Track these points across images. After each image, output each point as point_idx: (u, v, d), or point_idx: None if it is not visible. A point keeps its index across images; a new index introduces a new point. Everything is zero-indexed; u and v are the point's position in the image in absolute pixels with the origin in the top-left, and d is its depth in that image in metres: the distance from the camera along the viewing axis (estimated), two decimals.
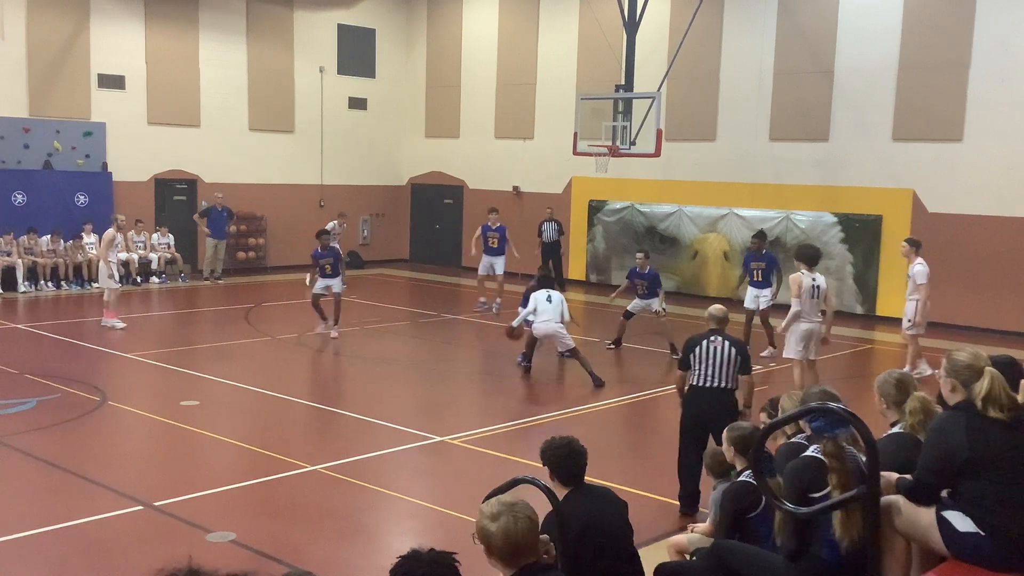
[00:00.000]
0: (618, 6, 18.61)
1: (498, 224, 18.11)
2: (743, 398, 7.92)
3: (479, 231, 18.31)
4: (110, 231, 15.44)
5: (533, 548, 3.46)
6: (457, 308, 18.17)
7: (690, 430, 7.70)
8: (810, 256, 11.27)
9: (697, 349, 7.78)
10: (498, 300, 17.69)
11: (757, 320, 14.36)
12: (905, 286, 13.24)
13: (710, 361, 7.70)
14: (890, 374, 5.24)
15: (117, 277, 15.62)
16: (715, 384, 7.67)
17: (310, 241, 22.78)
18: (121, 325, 15.17)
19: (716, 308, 8.15)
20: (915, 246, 12.85)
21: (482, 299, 17.87)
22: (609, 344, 14.73)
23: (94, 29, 20.15)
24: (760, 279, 14.39)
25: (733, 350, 7.73)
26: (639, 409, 11.47)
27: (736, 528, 5.20)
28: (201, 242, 21.51)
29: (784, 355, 11.31)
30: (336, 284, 14.99)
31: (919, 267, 12.62)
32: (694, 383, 7.77)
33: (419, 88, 25.55)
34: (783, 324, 11.04)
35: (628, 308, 14.65)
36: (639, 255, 14.86)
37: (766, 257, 14.52)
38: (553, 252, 21.38)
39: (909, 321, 12.83)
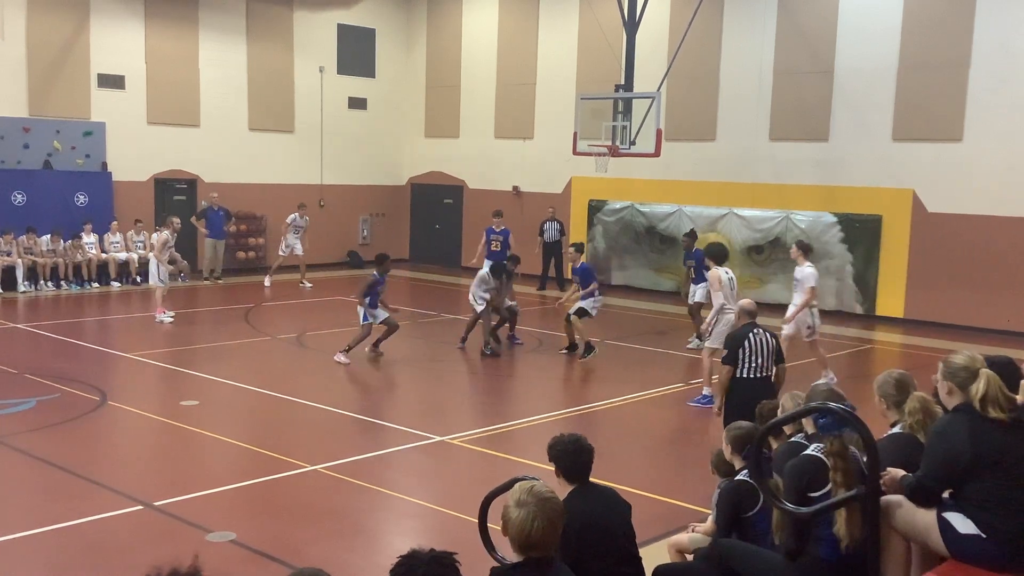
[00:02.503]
0: (618, 6, 18.61)
1: (503, 227, 17.81)
2: (777, 385, 8.21)
3: (484, 236, 17.97)
4: (165, 233, 16.31)
5: (546, 545, 3.48)
6: (457, 308, 18.13)
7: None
8: (716, 254, 11.57)
9: (746, 343, 8.06)
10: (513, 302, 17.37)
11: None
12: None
13: (759, 351, 8.05)
14: (889, 374, 5.24)
15: (167, 276, 16.48)
16: (763, 374, 8.04)
17: (310, 241, 22.85)
18: (170, 319, 15.78)
19: (748, 303, 8.60)
20: (803, 249, 12.55)
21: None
22: (563, 350, 14.19)
23: (94, 29, 20.16)
24: (694, 276, 14.92)
25: (774, 340, 8.19)
26: (640, 409, 11.46)
27: (734, 527, 5.20)
28: (200, 242, 21.51)
29: (708, 344, 11.46)
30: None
31: (809, 269, 12.23)
32: (744, 375, 8.04)
33: (419, 88, 25.55)
34: (709, 317, 11.45)
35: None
36: (570, 248, 14.88)
37: (695, 255, 14.93)
38: (554, 252, 21.42)
39: (810, 328, 12.28)
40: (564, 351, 14.06)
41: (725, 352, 8.21)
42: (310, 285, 20.68)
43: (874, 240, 18.24)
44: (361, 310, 13.51)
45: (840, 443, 4.37)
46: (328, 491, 8.15)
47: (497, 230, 17.77)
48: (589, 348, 13.50)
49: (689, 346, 14.85)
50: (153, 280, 16.42)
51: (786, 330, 12.12)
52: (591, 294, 13.61)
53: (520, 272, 15.31)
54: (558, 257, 21.46)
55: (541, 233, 21.29)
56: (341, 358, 13.21)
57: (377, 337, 13.66)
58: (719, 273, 11.32)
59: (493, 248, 17.63)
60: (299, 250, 20.85)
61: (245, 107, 22.66)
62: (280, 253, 20.96)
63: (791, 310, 12.32)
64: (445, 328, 16.38)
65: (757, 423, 5.84)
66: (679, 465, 9.35)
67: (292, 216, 20.90)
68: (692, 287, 15.00)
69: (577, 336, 13.76)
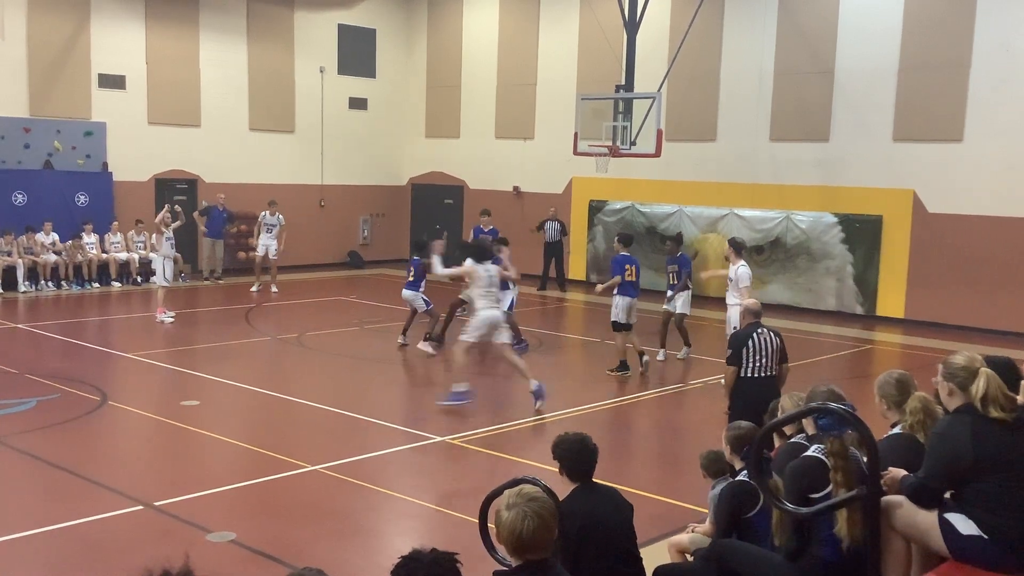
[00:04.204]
0: (618, 6, 18.61)
1: (491, 227, 17.43)
2: (778, 384, 8.17)
3: (471, 236, 17.64)
4: (162, 212, 16.42)
5: (540, 547, 3.44)
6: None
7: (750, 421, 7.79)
8: (477, 251, 11.47)
9: (750, 343, 8.05)
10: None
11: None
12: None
13: (763, 351, 8.04)
14: (890, 374, 5.23)
15: (171, 275, 16.67)
16: (767, 373, 8.03)
17: (310, 241, 22.91)
18: (170, 319, 15.80)
19: (753, 303, 8.59)
20: (736, 248, 12.11)
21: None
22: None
23: (94, 29, 20.16)
24: (675, 281, 14.10)
25: (778, 340, 8.17)
26: (640, 409, 11.46)
27: (734, 528, 5.20)
28: (200, 241, 21.51)
29: (462, 337, 11.31)
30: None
31: (743, 269, 11.83)
32: (748, 375, 8.03)
33: (419, 88, 25.55)
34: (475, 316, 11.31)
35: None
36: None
37: (679, 260, 14.20)
38: (555, 252, 21.31)
39: (735, 328, 11.50)
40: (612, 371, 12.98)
41: (730, 352, 8.21)
42: (276, 290, 19.71)
43: (874, 240, 18.24)
44: (420, 299, 14.23)
45: (840, 444, 4.37)
46: (328, 491, 8.15)
47: (485, 229, 17.41)
48: (623, 366, 12.81)
49: (679, 357, 14.00)
50: (159, 280, 16.51)
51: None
52: (613, 288, 12.86)
53: (521, 273, 15.23)
54: (558, 257, 21.39)
55: (540, 228, 21.19)
56: (428, 348, 13.95)
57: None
58: (477, 267, 11.13)
59: None
60: (273, 251, 19.90)
61: (245, 107, 22.67)
62: (257, 254, 20.17)
63: (736, 312, 11.50)
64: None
65: (768, 422, 5.82)
66: (679, 465, 9.35)
67: (263, 214, 20.18)
68: (669, 293, 14.10)
69: (619, 353, 12.93)
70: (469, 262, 11.22)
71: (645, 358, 12.95)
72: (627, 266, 12.89)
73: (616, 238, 13.61)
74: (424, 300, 14.21)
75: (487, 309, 11.11)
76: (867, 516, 4.23)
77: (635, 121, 17.67)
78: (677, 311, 14.00)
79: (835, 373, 12.96)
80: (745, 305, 8.56)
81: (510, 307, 14.61)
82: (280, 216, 20.14)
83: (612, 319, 12.91)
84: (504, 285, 14.52)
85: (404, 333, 14.61)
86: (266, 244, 20.01)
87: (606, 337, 14.93)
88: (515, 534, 3.39)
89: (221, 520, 7.32)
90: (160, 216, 16.29)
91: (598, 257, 22.02)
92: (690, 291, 14.18)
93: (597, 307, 18.45)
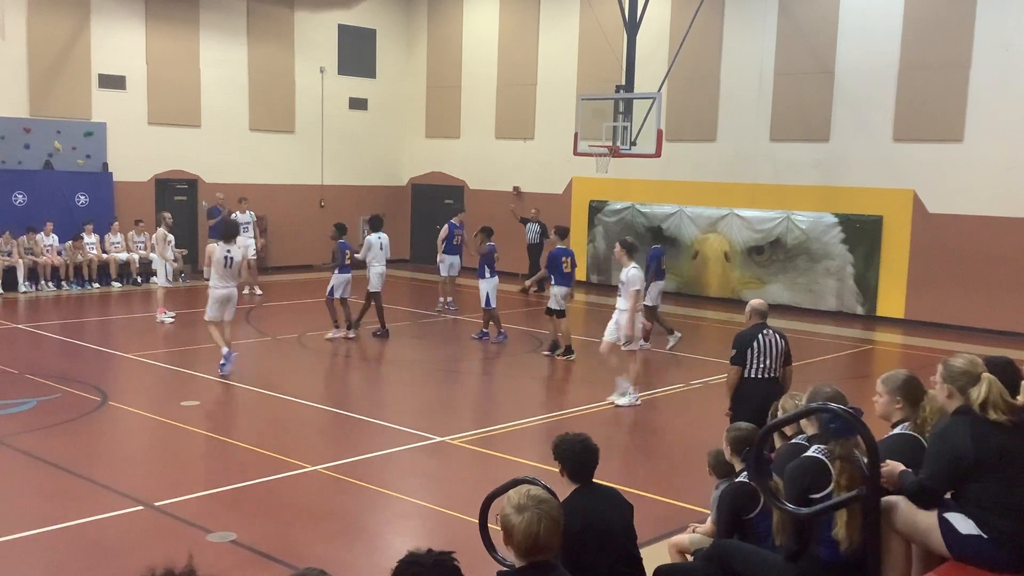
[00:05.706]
0: (618, 6, 18.61)
1: (462, 222, 17.96)
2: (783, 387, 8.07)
3: (446, 231, 17.83)
4: (161, 230, 16.39)
5: (551, 548, 3.46)
6: (458, 308, 18.13)
7: (752, 423, 7.74)
8: (225, 232, 12.25)
9: (755, 344, 7.93)
10: (449, 299, 17.86)
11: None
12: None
13: (767, 352, 7.94)
14: (899, 373, 5.19)
15: (171, 276, 16.68)
16: (771, 375, 7.95)
17: (310, 241, 22.91)
18: (171, 319, 15.81)
19: (760, 303, 8.40)
20: (628, 248, 11.42)
21: (448, 299, 17.95)
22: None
23: (95, 29, 20.16)
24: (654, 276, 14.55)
25: (783, 341, 8.07)
26: (639, 409, 11.45)
27: (735, 528, 5.20)
28: (203, 243, 21.47)
29: (205, 317, 12.24)
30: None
31: (634, 271, 11.09)
32: (753, 376, 7.93)
33: (419, 88, 25.55)
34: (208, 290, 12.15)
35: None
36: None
37: (652, 251, 14.97)
38: (535, 254, 21.16)
39: (627, 337, 11.12)
40: (549, 353, 13.97)
41: (734, 352, 8.14)
42: (259, 292, 18.85)
43: (875, 241, 18.24)
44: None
45: (847, 446, 4.37)
46: (328, 491, 8.15)
47: (458, 224, 17.77)
48: (555, 346, 13.94)
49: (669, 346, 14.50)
50: (160, 280, 16.57)
51: (633, 344, 11.20)
52: (540, 281, 13.90)
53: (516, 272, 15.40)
54: (536, 259, 21.17)
55: (522, 222, 21.32)
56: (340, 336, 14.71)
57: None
58: (216, 249, 11.90)
59: (455, 243, 17.62)
60: (252, 252, 18.99)
61: (246, 107, 22.67)
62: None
63: (624, 319, 11.07)
64: (445, 328, 16.40)
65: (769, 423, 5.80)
66: (679, 465, 9.35)
67: (234, 215, 19.72)
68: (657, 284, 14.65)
69: (559, 334, 13.97)
70: (219, 244, 12.04)
71: (572, 356, 13.75)
72: (564, 258, 13.71)
73: (553, 230, 14.44)
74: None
75: (219, 288, 11.99)
76: (867, 516, 4.23)
77: (635, 121, 17.67)
78: (653, 302, 14.52)
79: (835, 373, 12.95)
80: (751, 305, 8.36)
81: (487, 303, 14.83)
82: (251, 212, 20.16)
83: (548, 306, 13.91)
84: (481, 275, 14.74)
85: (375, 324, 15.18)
86: (244, 244, 19.73)
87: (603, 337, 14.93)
88: (531, 536, 3.39)
89: (221, 520, 7.32)
90: (171, 253, 16.56)
91: (598, 257, 22.01)
92: (658, 283, 14.71)
93: (595, 307, 18.46)
